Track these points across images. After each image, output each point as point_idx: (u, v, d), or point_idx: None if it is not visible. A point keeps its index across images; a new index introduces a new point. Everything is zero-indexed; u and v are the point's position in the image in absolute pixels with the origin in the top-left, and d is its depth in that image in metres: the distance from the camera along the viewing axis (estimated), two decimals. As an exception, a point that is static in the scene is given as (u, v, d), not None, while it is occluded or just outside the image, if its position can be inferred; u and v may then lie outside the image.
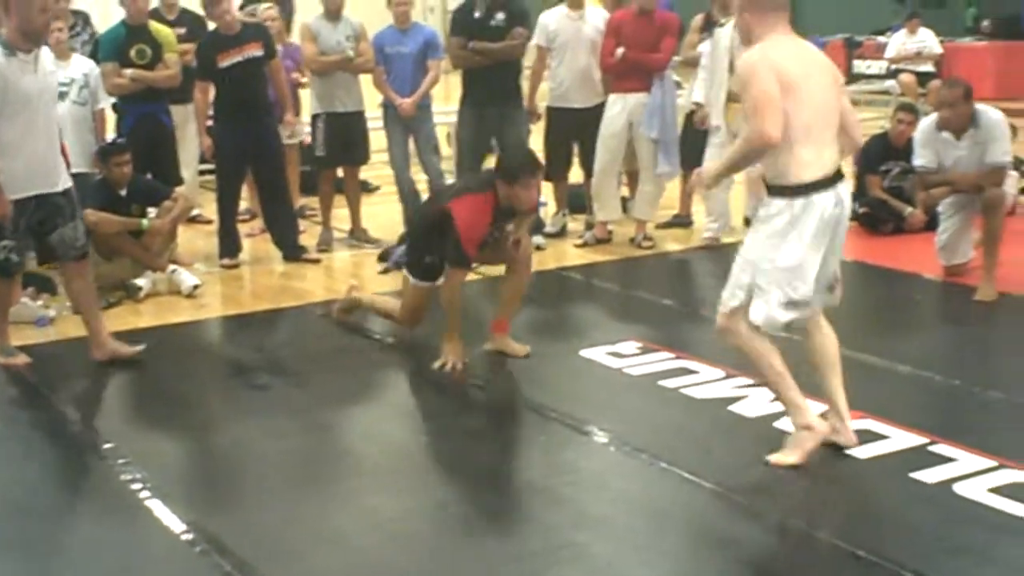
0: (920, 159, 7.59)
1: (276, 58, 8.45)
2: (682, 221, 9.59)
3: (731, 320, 4.77)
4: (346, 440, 5.46)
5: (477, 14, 8.64)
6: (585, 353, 6.32)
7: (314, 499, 4.60)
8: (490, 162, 9.77)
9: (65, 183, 6.17)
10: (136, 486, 4.69)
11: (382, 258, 8.46)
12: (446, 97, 11.99)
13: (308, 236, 8.96)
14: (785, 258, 4.60)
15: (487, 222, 6.11)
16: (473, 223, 6.05)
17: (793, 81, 4.57)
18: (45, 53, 6.10)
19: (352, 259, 8.78)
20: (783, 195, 4.63)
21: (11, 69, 5.81)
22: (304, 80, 9.57)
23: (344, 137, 8.80)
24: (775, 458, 4.69)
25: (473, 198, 6.10)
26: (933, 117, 7.56)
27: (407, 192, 8.97)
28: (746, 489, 4.49)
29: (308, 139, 9.31)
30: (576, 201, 9.44)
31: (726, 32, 8.44)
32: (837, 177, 4.71)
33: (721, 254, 8.75)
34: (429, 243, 6.31)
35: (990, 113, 7.41)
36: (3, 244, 5.97)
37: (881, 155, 9.32)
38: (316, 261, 8.55)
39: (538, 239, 8.86)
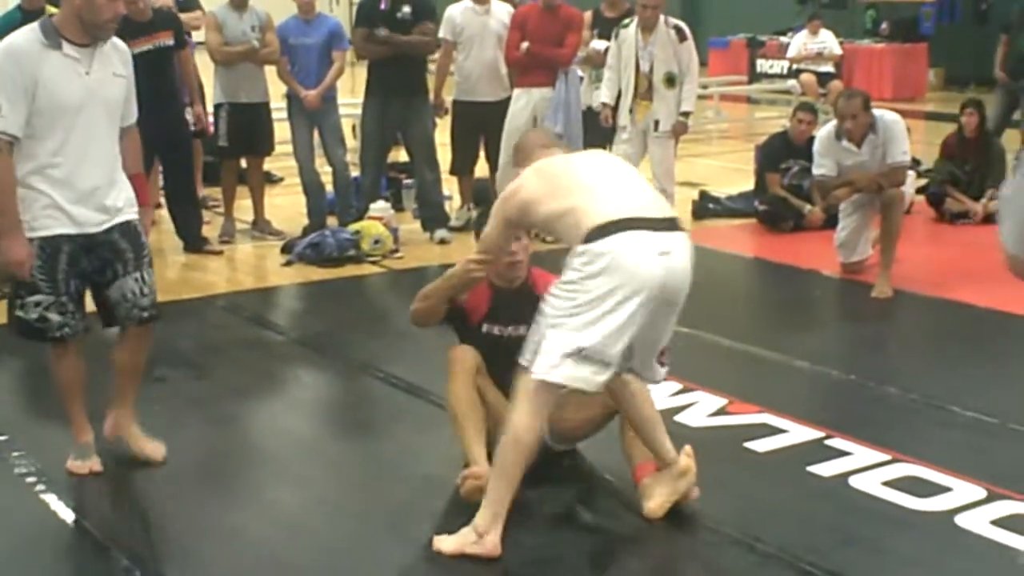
0: (819, 168, 7.70)
1: (186, 48, 8.33)
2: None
3: None
4: (247, 433, 5.41)
5: (383, 6, 8.59)
6: (488, 347, 6.32)
7: (213, 492, 4.55)
8: (395, 155, 9.78)
9: (128, 215, 4.57)
10: (31, 479, 4.60)
11: (285, 250, 8.40)
12: (352, 89, 11.94)
13: (211, 227, 8.86)
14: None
15: (480, 292, 4.82)
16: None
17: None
18: (111, 52, 4.51)
19: (255, 251, 8.70)
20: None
21: (49, 66, 4.30)
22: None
23: (248, 128, 8.71)
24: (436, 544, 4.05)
25: None
26: (831, 126, 7.67)
27: (311, 184, 8.90)
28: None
29: (211, 129, 9.21)
30: (481, 195, 9.44)
31: (631, 32, 8.54)
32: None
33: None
34: None
35: (887, 117, 7.56)
36: (35, 300, 4.43)
37: (781, 153, 9.47)
38: (218, 252, 8.46)
39: (443, 233, 8.87)
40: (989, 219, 9.49)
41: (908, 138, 7.70)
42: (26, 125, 4.26)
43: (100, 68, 4.43)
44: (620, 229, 3.87)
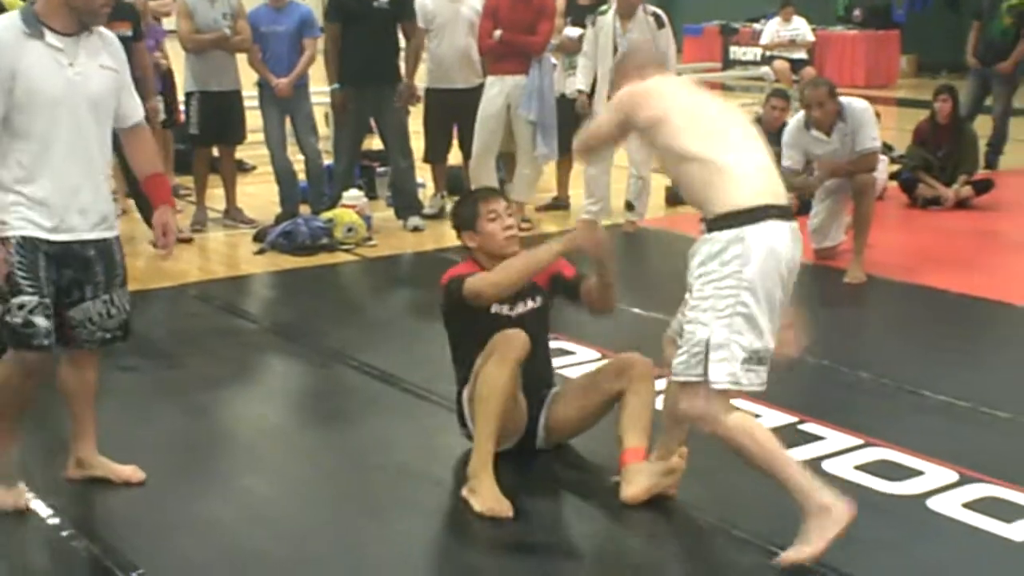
0: (786, 160, 7.70)
1: (142, 40, 8.26)
2: (560, 204, 9.65)
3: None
4: (219, 422, 5.38)
5: (357, -5, 8.57)
6: (462, 334, 6.31)
7: (185, 482, 4.53)
8: (369, 143, 9.75)
9: (106, 231, 4.17)
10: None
11: (257, 238, 8.36)
12: (326, 77, 11.88)
13: (183, 216, 8.81)
14: None
15: None
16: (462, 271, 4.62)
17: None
18: (98, 42, 4.13)
19: (227, 239, 8.66)
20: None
21: (30, 54, 3.97)
22: (164, 61, 9.42)
23: (219, 116, 8.66)
24: (790, 555, 3.76)
25: (454, 268, 4.70)
26: (800, 115, 7.68)
27: (283, 172, 8.87)
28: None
29: (182, 117, 9.16)
30: (455, 183, 9.43)
31: (608, 19, 8.55)
32: None
33: (598, 236, 8.83)
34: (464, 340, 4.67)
35: (854, 104, 7.57)
36: (19, 302, 4.00)
37: (756, 140, 9.46)
38: (189, 241, 8.41)
39: (416, 221, 8.86)
40: (961, 205, 9.55)
41: (878, 124, 7.71)
42: (3, 120, 3.96)
43: (86, 60, 4.05)
44: (768, 217, 3.76)
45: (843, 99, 7.54)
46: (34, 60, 3.96)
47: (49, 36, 3.99)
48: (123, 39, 7.80)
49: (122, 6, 8.17)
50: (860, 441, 4.79)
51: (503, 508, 4.14)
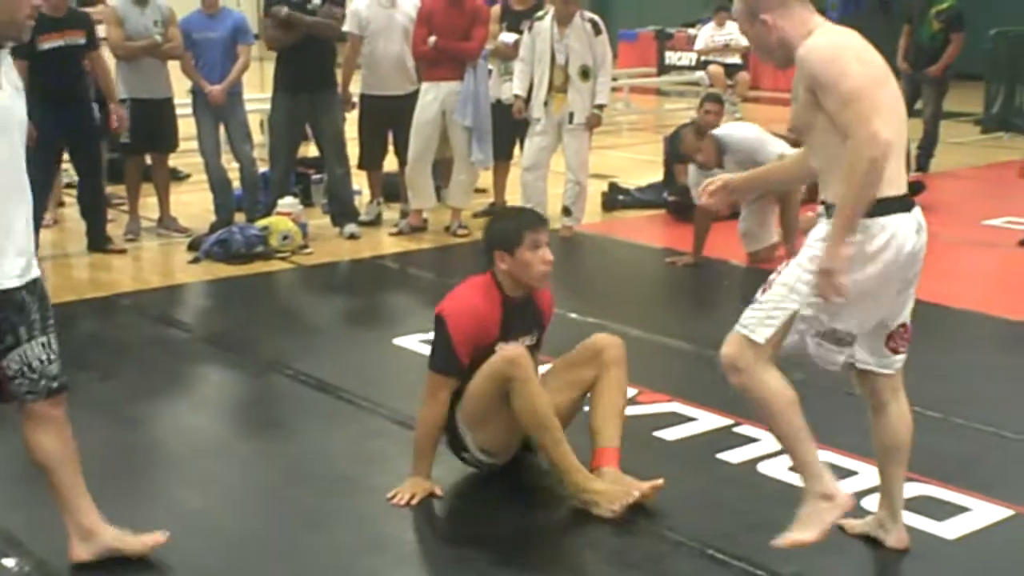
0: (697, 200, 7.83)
1: (98, 48, 8.17)
2: (497, 209, 9.65)
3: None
4: (153, 434, 5.31)
5: (293, -5, 8.53)
6: (398, 341, 6.29)
7: (119, 493, 4.45)
8: (304, 150, 9.70)
9: (36, 270, 3.67)
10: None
11: (192, 247, 8.29)
12: (261, 84, 11.82)
13: (115, 225, 8.73)
14: None
15: (491, 315, 4.38)
16: (467, 311, 4.37)
17: (881, 73, 3.68)
18: (6, 63, 3.58)
19: (161, 249, 8.58)
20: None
21: None
22: None
23: (151, 124, 8.57)
24: (790, 538, 3.70)
25: (467, 283, 4.52)
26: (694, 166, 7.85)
27: (218, 180, 8.80)
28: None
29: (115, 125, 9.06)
30: (391, 189, 9.41)
31: (546, 25, 8.59)
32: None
33: (535, 242, 8.85)
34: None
35: (732, 134, 7.69)
36: None
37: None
38: (122, 251, 8.32)
39: (353, 228, 8.83)
40: (893, 207, 9.65)
41: (771, 136, 7.84)
42: None
43: (7, 82, 3.55)
44: (903, 208, 3.64)
45: (716, 132, 7.86)
46: None
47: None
48: (76, 46, 7.85)
49: (76, 14, 8.12)
50: (797, 443, 4.82)
51: (626, 494, 4.17)
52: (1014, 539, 4.14)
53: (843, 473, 4.50)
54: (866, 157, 3.44)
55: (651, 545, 4.07)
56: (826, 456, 4.60)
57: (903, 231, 3.62)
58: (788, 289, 3.64)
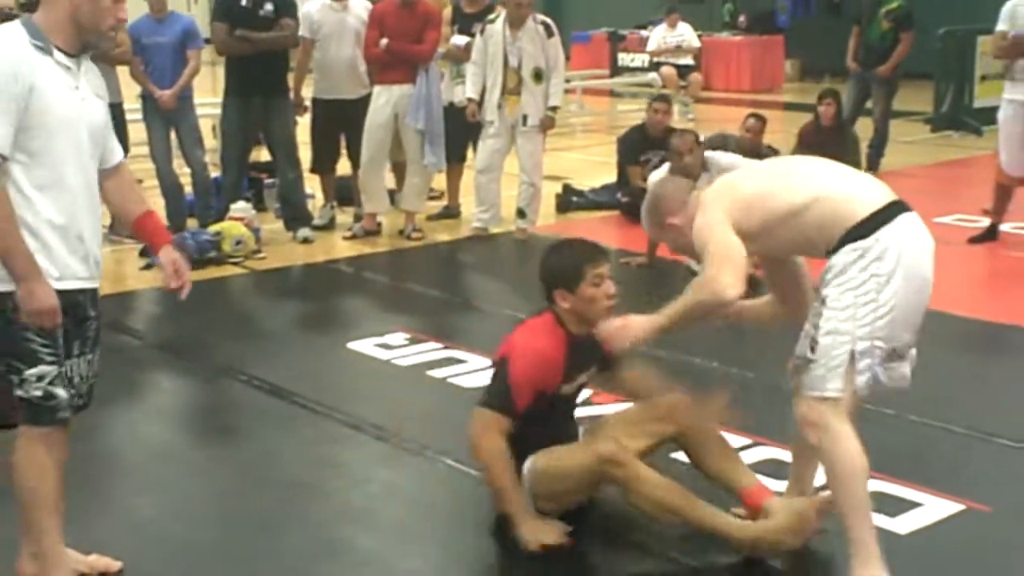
0: None
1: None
2: (451, 212, 9.64)
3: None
4: (105, 442, 5.25)
5: (244, 3, 8.47)
6: (353, 345, 6.28)
7: (70, 503, 4.38)
8: (257, 154, 9.65)
9: (99, 279, 3.73)
10: None
11: (144, 253, 8.21)
12: (213, 89, 11.76)
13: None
14: None
15: (555, 358, 4.15)
16: (533, 356, 4.12)
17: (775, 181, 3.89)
18: (89, 69, 3.65)
19: (113, 255, 8.49)
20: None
21: (43, 74, 3.45)
22: None
23: (101, 130, 8.49)
24: None
25: (528, 325, 4.30)
26: (666, 168, 7.78)
27: (169, 186, 8.74)
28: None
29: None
30: (344, 193, 9.38)
31: (498, 28, 8.59)
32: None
33: (490, 244, 8.87)
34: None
35: (721, 157, 7.68)
36: (36, 373, 3.51)
37: (639, 146, 9.58)
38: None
39: (306, 232, 8.79)
40: (845, 206, 9.72)
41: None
42: (13, 145, 3.41)
43: (86, 85, 3.59)
44: (895, 214, 3.67)
45: (708, 152, 7.69)
46: (48, 79, 3.46)
47: (57, 54, 3.51)
48: None
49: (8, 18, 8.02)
50: (748, 441, 4.85)
51: (808, 510, 3.95)
52: (965, 533, 4.18)
53: (907, 505, 4.40)
54: (706, 297, 3.75)
55: (591, 544, 4.07)
56: (779, 455, 4.66)
57: (899, 239, 3.64)
58: (834, 334, 3.62)
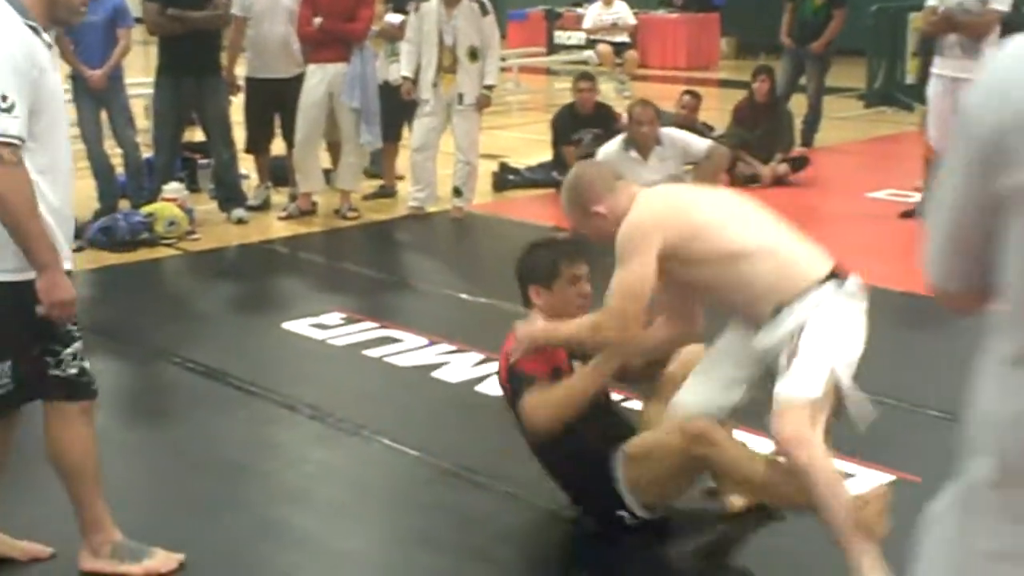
0: None
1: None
2: (387, 191, 9.61)
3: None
4: (36, 427, 5.17)
5: (176, -19, 8.38)
6: (288, 326, 6.25)
7: (2, 490, 4.37)
8: (190, 134, 9.55)
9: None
10: None
11: (75, 235, 8.11)
12: (145, 68, 11.61)
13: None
14: None
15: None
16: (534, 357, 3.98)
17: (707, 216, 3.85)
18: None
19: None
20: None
21: (43, 54, 3.41)
22: None
23: (30, 110, 8.37)
24: None
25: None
26: (621, 137, 7.80)
27: (100, 167, 8.62)
28: (447, 453, 4.53)
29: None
30: (279, 173, 9.32)
31: (432, 6, 8.56)
32: None
33: (426, 223, 8.85)
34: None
35: (673, 132, 7.73)
36: (72, 351, 3.58)
37: (570, 125, 9.63)
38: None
39: (241, 212, 8.72)
40: (779, 182, 9.80)
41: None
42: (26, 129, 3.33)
43: (57, 67, 3.54)
44: (831, 279, 3.74)
45: (664, 129, 7.74)
46: (46, 59, 3.41)
47: (43, 34, 3.44)
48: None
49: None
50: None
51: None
52: (895, 503, 4.22)
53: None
54: (607, 332, 3.74)
55: (536, 515, 4.08)
56: None
57: (811, 309, 3.65)
58: (815, 355, 3.61)
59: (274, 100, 8.89)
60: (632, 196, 3.88)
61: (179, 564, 3.77)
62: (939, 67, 8.42)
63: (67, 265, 3.53)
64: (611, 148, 7.85)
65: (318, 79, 8.61)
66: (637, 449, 3.85)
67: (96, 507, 3.78)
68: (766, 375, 3.71)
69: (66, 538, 3.92)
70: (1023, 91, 1.45)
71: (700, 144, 7.59)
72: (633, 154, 7.71)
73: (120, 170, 8.76)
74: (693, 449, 3.68)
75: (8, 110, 3.25)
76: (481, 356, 5.54)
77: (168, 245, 8.03)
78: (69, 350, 3.55)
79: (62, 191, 3.49)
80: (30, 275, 3.39)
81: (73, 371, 3.58)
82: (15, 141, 3.26)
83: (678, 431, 3.73)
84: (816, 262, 3.77)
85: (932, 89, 8.49)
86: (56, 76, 3.50)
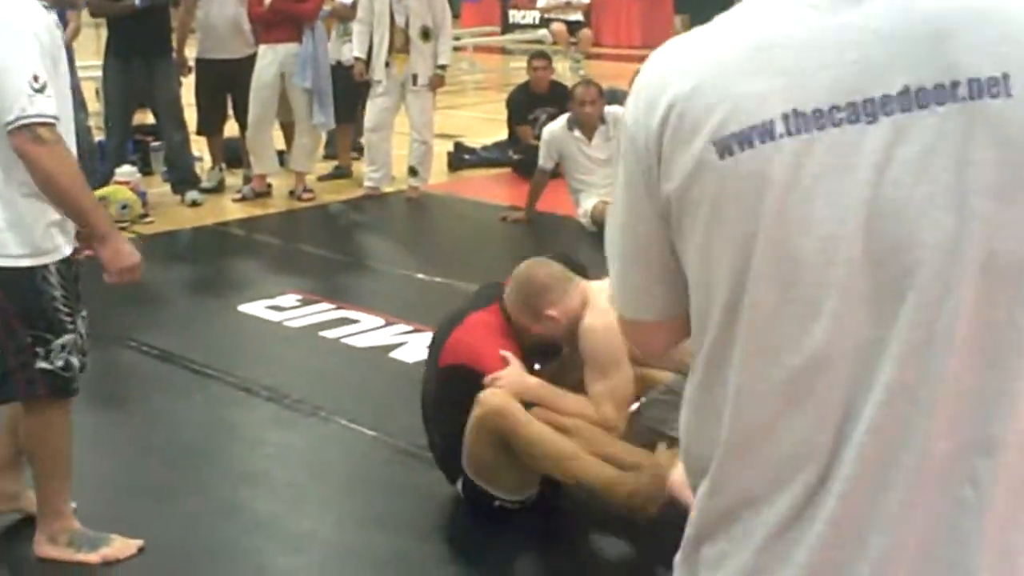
0: (540, 159, 7.89)
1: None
2: (342, 172, 9.58)
3: None
4: None
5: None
6: (243, 308, 6.23)
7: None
8: (141, 117, 9.46)
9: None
10: None
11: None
12: (97, 51, 11.51)
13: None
14: None
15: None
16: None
17: None
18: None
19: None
20: None
21: (58, 34, 3.43)
22: None
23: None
24: None
25: (481, 320, 4.03)
26: (563, 119, 7.81)
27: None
28: (404, 432, 4.52)
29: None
30: (232, 155, 9.26)
31: (384, -16, 8.53)
32: None
33: (382, 203, 8.84)
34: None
35: (615, 111, 7.72)
36: (62, 343, 3.51)
37: (527, 104, 9.65)
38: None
39: (194, 195, 8.67)
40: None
41: None
42: None
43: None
44: None
45: (609, 107, 7.75)
46: (59, 38, 3.43)
47: (50, 13, 3.43)
48: None
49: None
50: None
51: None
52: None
53: None
54: (606, 425, 3.78)
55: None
56: None
57: None
58: None
59: (225, 81, 8.82)
60: (584, 295, 3.85)
61: (138, 549, 3.75)
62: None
63: (69, 249, 3.50)
64: (555, 127, 7.88)
65: (269, 59, 8.56)
66: (466, 444, 3.86)
67: (61, 497, 3.74)
68: None
69: (21, 521, 3.90)
70: (670, 97, 1.41)
71: None
72: (577, 133, 7.74)
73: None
74: (486, 422, 3.72)
75: (41, 90, 3.24)
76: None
77: (122, 228, 7.92)
78: (60, 340, 3.49)
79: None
80: (21, 261, 3.36)
81: (59, 364, 3.51)
82: (52, 120, 3.25)
83: (481, 411, 3.75)
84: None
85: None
86: (64, 59, 3.46)
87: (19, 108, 3.20)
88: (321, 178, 9.38)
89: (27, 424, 3.67)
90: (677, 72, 1.44)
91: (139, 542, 3.77)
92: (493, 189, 9.22)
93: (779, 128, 1.35)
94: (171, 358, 5.54)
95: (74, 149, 3.48)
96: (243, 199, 8.82)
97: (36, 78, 3.22)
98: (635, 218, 1.50)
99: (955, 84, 1.31)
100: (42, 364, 3.50)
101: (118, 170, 8.42)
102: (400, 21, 8.55)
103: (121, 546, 3.75)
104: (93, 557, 3.71)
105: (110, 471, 4.46)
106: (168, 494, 4.18)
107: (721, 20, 1.47)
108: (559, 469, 3.77)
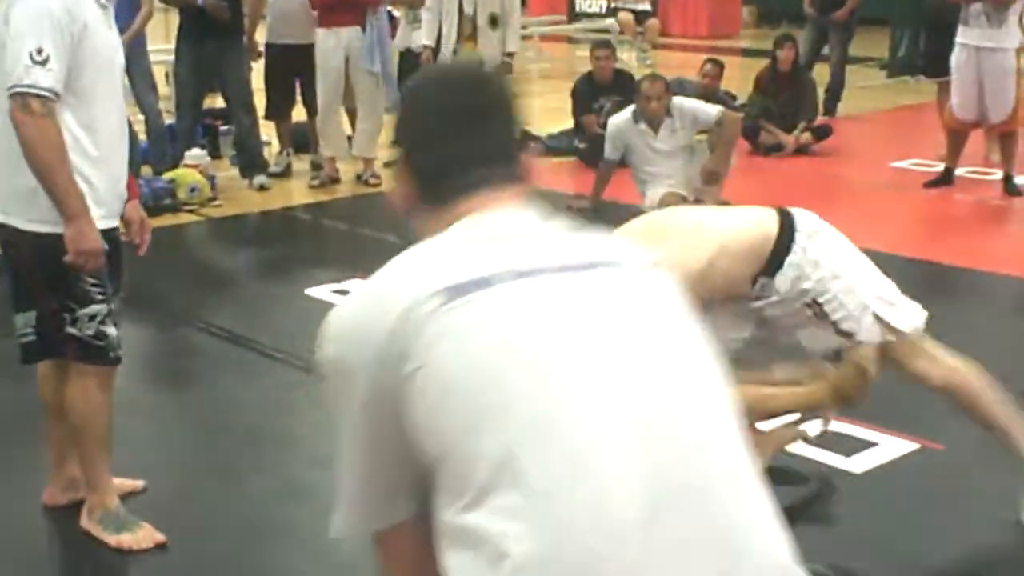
0: (606, 152, 7.80)
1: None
2: (409, 159, 9.58)
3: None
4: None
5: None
6: (311, 292, 6.26)
7: (23, 456, 4.39)
8: (211, 101, 9.54)
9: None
10: None
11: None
12: (166, 35, 11.61)
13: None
14: None
15: None
16: None
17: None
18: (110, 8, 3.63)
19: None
20: None
21: (90, 10, 3.46)
22: None
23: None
24: None
25: None
26: (629, 111, 7.72)
27: (123, 133, 8.64)
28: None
29: None
30: (301, 139, 9.31)
31: (454, -32, 8.53)
32: None
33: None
34: None
35: (684, 102, 7.65)
36: (89, 312, 3.59)
37: (591, 94, 9.61)
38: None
39: (262, 179, 8.73)
40: (801, 151, 9.77)
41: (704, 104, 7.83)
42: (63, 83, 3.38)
43: (114, 25, 3.60)
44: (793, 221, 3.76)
45: (675, 99, 7.63)
46: (94, 16, 3.45)
47: None
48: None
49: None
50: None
51: None
52: (919, 472, 4.24)
53: (862, 445, 4.44)
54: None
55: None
56: (844, 428, 4.58)
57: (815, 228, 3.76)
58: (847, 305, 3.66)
59: (294, 66, 8.87)
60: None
61: (156, 545, 3.71)
62: (963, 36, 8.36)
63: (113, 222, 3.60)
64: (620, 120, 7.79)
65: (334, 44, 8.55)
66: None
67: (97, 468, 3.77)
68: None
69: (150, 472, 3.95)
70: (376, 331, 1.63)
71: (710, 111, 7.51)
72: (643, 127, 7.65)
73: (142, 136, 8.77)
74: None
75: (42, 63, 3.31)
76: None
77: (190, 211, 8.05)
78: (86, 310, 3.56)
79: (108, 146, 3.53)
80: (57, 228, 3.43)
81: (89, 332, 3.59)
82: (45, 94, 3.32)
83: None
84: (766, 220, 3.73)
85: (956, 58, 8.44)
86: (108, 35, 3.52)
87: (16, 76, 3.31)
88: (388, 164, 9.39)
89: (66, 390, 3.74)
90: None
91: (161, 538, 3.73)
92: (559, 177, 9.20)
93: None
94: (238, 339, 5.58)
95: (110, 121, 3.54)
96: (321, 185, 8.81)
97: (40, 51, 3.30)
98: (369, 443, 1.77)
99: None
100: (70, 330, 3.59)
101: (188, 153, 8.49)
102: (468, 9, 8.56)
103: (142, 536, 3.73)
104: (111, 540, 3.72)
105: (176, 449, 4.52)
106: (235, 473, 4.22)
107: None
108: (764, 415, 3.77)
